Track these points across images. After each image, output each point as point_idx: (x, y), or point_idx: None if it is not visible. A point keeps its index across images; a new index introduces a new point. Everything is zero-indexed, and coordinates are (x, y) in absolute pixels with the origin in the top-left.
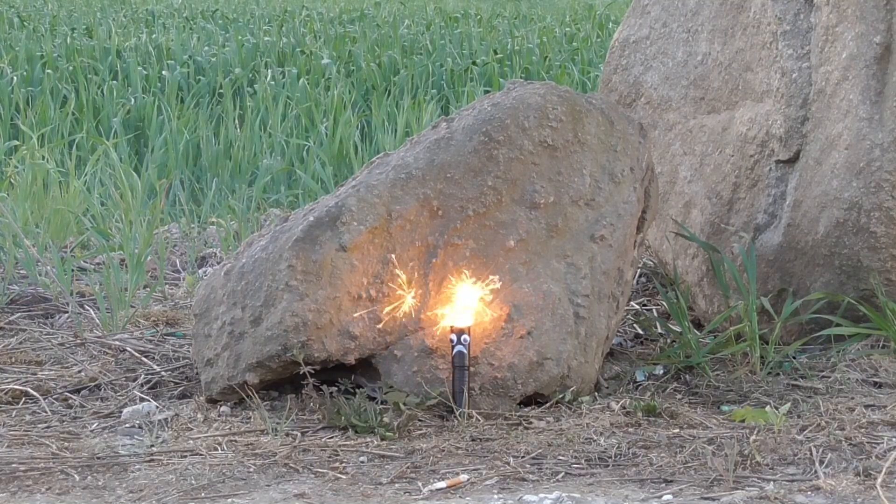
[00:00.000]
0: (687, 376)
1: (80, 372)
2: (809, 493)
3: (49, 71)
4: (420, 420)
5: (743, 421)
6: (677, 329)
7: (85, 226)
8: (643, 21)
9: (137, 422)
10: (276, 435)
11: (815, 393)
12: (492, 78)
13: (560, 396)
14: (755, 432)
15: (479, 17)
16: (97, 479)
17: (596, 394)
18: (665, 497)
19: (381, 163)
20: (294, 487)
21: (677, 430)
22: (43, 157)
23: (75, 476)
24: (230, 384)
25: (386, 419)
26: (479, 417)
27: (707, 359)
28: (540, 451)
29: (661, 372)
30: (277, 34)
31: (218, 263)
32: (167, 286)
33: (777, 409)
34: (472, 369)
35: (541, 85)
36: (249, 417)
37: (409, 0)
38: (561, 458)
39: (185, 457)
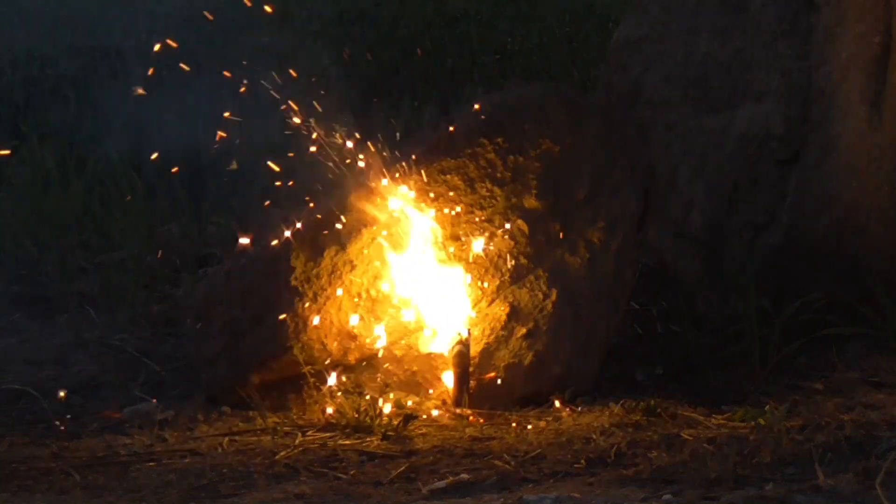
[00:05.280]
0: (687, 376)
1: (80, 372)
2: (809, 493)
3: (49, 71)
4: (420, 420)
5: (743, 421)
6: (677, 329)
7: (85, 226)
8: (643, 21)
9: (137, 421)
10: (276, 435)
11: (815, 393)
12: (492, 78)
13: (560, 396)
14: (755, 432)
15: (479, 17)
16: (97, 479)
17: (596, 394)
18: (665, 497)
19: None
20: (294, 487)
21: (677, 430)
22: (43, 157)
23: (75, 476)
24: (230, 384)
25: (386, 419)
26: (479, 417)
27: (707, 359)
28: (540, 451)
29: (661, 372)
30: (278, 34)
31: (218, 263)
32: (167, 286)
33: (777, 409)
34: (471, 369)
35: (541, 85)
36: (250, 417)
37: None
38: (561, 458)
39: (185, 457)
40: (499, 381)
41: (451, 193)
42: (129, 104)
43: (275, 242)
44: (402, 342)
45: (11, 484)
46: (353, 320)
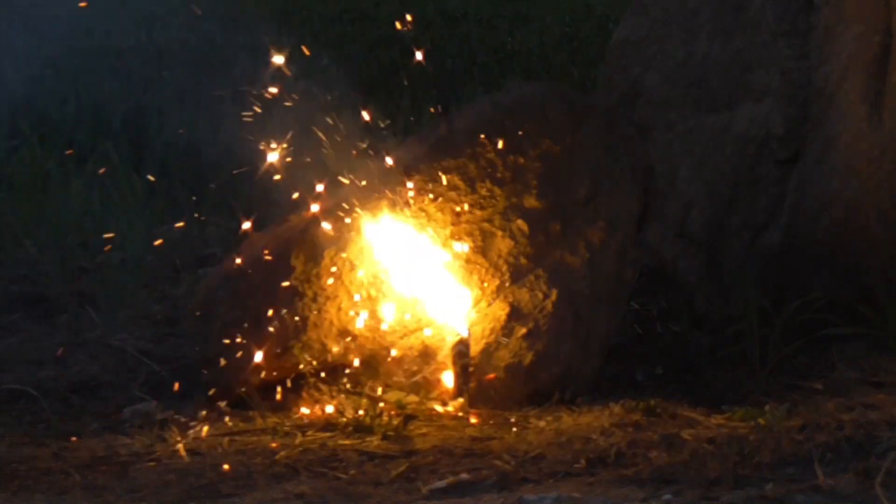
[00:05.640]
0: (687, 376)
1: (80, 372)
2: (809, 493)
3: (49, 71)
4: (420, 420)
5: (743, 421)
6: (677, 329)
7: (85, 226)
8: (643, 21)
9: (138, 421)
10: (276, 435)
11: (815, 393)
12: (492, 78)
13: (560, 396)
14: (755, 432)
15: (479, 17)
16: (97, 479)
17: (596, 393)
18: (665, 497)
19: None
20: (294, 487)
21: (677, 430)
22: (43, 157)
23: (75, 476)
24: (231, 384)
25: (386, 419)
26: (479, 417)
27: (707, 359)
28: (540, 451)
29: (661, 372)
30: (277, 34)
31: (218, 263)
32: (167, 286)
33: (777, 409)
34: (471, 369)
35: (541, 85)
36: (249, 417)
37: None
38: (561, 458)
39: (185, 457)
40: (498, 382)
41: (452, 193)
42: (130, 104)
43: (276, 241)
44: (403, 342)
45: (11, 484)
46: (354, 320)
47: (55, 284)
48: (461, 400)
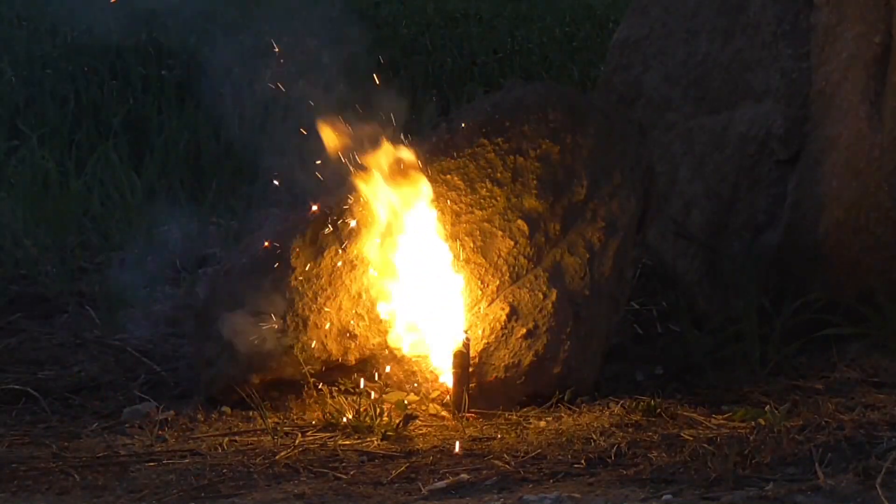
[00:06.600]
0: (687, 376)
1: (80, 372)
2: (809, 493)
3: (49, 71)
4: (420, 420)
5: (743, 421)
6: (677, 329)
7: (85, 226)
8: (643, 21)
9: (137, 422)
10: (276, 435)
11: (815, 393)
12: (492, 78)
13: (560, 396)
14: (755, 432)
15: (479, 17)
16: (97, 479)
17: (596, 393)
18: (665, 497)
19: None
20: (294, 487)
21: (677, 430)
22: (43, 157)
23: (75, 476)
24: (230, 384)
25: (386, 419)
26: (479, 417)
27: (707, 359)
28: (540, 451)
29: (661, 372)
30: (278, 35)
31: (218, 263)
32: (167, 286)
33: (777, 409)
34: (471, 369)
35: (541, 85)
36: (250, 417)
37: (410, 0)
38: (561, 458)
39: (185, 457)
40: (498, 382)
41: (452, 193)
42: (129, 104)
43: (276, 241)
44: (402, 343)
45: (11, 484)
46: (353, 320)
47: (55, 284)
48: (461, 401)
